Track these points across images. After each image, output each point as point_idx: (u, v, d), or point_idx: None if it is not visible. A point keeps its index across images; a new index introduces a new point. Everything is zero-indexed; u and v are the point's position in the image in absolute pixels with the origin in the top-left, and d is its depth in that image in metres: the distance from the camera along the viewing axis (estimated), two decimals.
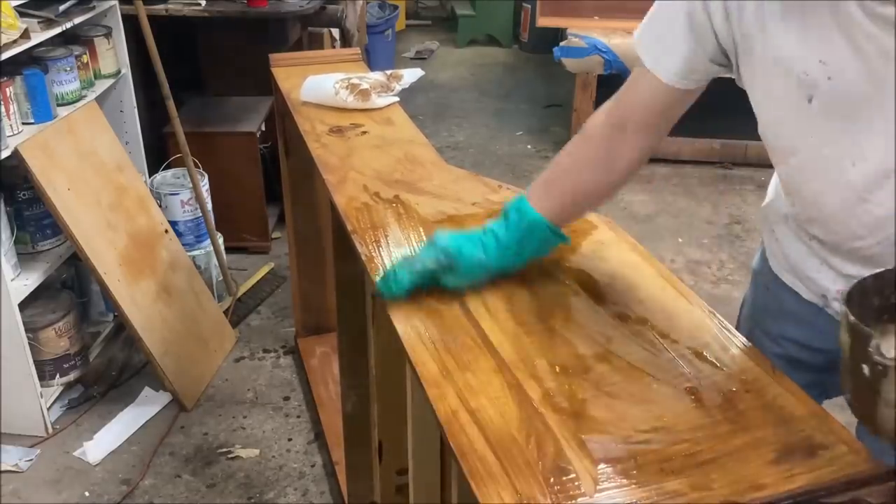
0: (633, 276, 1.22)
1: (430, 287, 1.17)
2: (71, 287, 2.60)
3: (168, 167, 2.98)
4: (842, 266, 1.11)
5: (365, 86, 1.93)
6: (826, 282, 1.16)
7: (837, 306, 1.16)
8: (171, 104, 2.68)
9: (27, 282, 2.27)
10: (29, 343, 2.27)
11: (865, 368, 0.72)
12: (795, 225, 1.18)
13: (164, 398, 2.52)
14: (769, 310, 1.29)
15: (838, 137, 0.98)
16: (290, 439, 2.39)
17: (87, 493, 2.21)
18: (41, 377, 2.35)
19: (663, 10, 1.08)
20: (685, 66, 1.07)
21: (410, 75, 2.02)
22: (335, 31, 3.43)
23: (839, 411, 0.96)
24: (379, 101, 1.94)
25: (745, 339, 1.07)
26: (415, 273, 1.15)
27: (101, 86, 2.66)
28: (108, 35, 2.67)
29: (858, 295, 0.79)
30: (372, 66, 2.34)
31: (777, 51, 0.97)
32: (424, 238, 1.34)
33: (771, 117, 1.07)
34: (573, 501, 0.82)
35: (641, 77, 1.12)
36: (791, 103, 1.00)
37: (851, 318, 0.73)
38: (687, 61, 1.06)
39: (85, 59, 2.55)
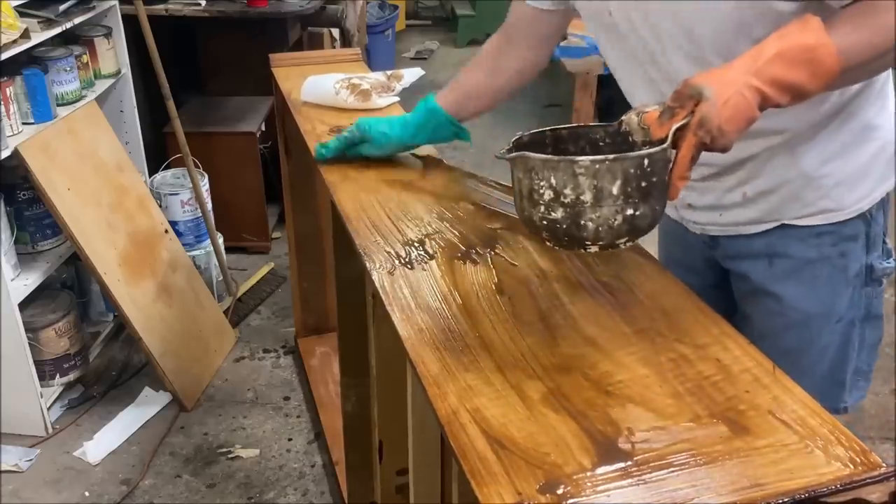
0: (634, 275, 1.22)
1: (430, 287, 1.17)
2: (71, 287, 2.60)
3: (168, 167, 2.98)
4: None
5: (365, 86, 1.93)
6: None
7: (683, 212, 1.36)
8: (171, 104, 2.68)
9: (27, 282, 2.27)
10: (29, 343, 2.27)
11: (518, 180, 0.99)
12: None
13: (164, 398, 2.52)
14: (669, 239, 1.52)
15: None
16: (290, 439, 2.39)
17: (87, 493, 2.21)
18: (41, 377, 2.35)
19: None
20: None
21: (411, 75, 2.02)
22: (335, 31, 3.44)
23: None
24: (379, 101, 1.93)
25: (744, 338, 1.07)
26: (339, 140, 1.56)
27: (101, 86, 2.66)
28: (108, 35, 2.67)
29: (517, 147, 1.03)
30: (372, 66, 2.34)
31: None
32: (425, 230, 1.34)
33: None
34: (573, 501, 0.82)
35: (514, 1, 1.43)
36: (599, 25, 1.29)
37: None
38: None
39: (85, 59, 2.56)
